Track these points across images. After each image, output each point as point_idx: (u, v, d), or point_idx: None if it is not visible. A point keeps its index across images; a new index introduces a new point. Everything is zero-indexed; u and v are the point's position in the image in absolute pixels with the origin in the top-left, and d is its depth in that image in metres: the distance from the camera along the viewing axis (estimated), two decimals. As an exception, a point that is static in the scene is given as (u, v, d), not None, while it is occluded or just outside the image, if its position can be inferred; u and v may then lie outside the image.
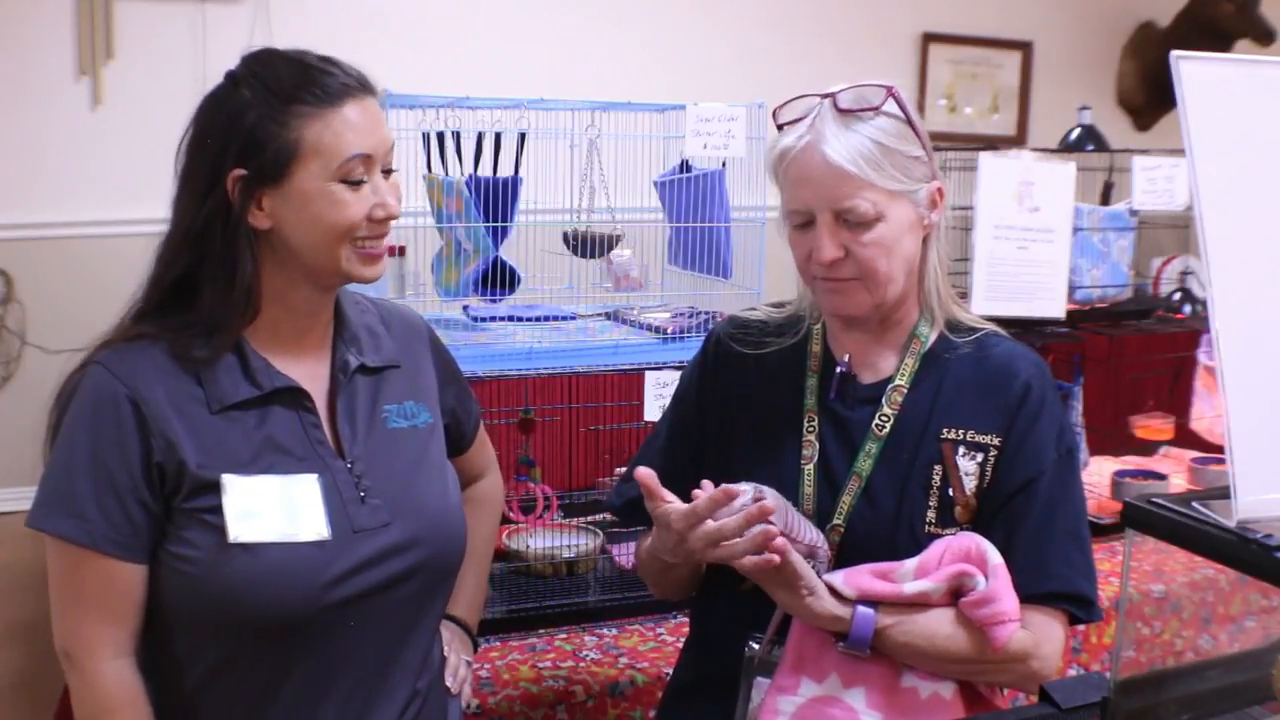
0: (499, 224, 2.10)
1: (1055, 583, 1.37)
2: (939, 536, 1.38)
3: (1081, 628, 2.24)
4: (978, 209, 2.53)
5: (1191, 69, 0.94)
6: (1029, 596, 1.35)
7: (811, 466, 1.43)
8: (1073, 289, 2.75)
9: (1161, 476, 2.79)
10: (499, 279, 2.11)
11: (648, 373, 2.08)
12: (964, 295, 2.50)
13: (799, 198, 1.38)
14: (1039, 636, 1.36)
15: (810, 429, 1.45)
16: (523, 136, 2.14)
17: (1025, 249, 2.56)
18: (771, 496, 1.31)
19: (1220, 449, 1.28)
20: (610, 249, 2.33)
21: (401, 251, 2.33)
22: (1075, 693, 1.04)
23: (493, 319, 2.40)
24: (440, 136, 2.12)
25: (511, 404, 2.39)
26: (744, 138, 2.17)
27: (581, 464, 2.52)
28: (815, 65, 3.89)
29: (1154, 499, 0.99)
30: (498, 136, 2.13)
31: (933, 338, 1.47)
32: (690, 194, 2.29)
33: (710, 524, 1.28)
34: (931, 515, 1.39)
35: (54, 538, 1.27)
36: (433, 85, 2.10)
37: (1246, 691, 1.03)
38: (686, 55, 3.84)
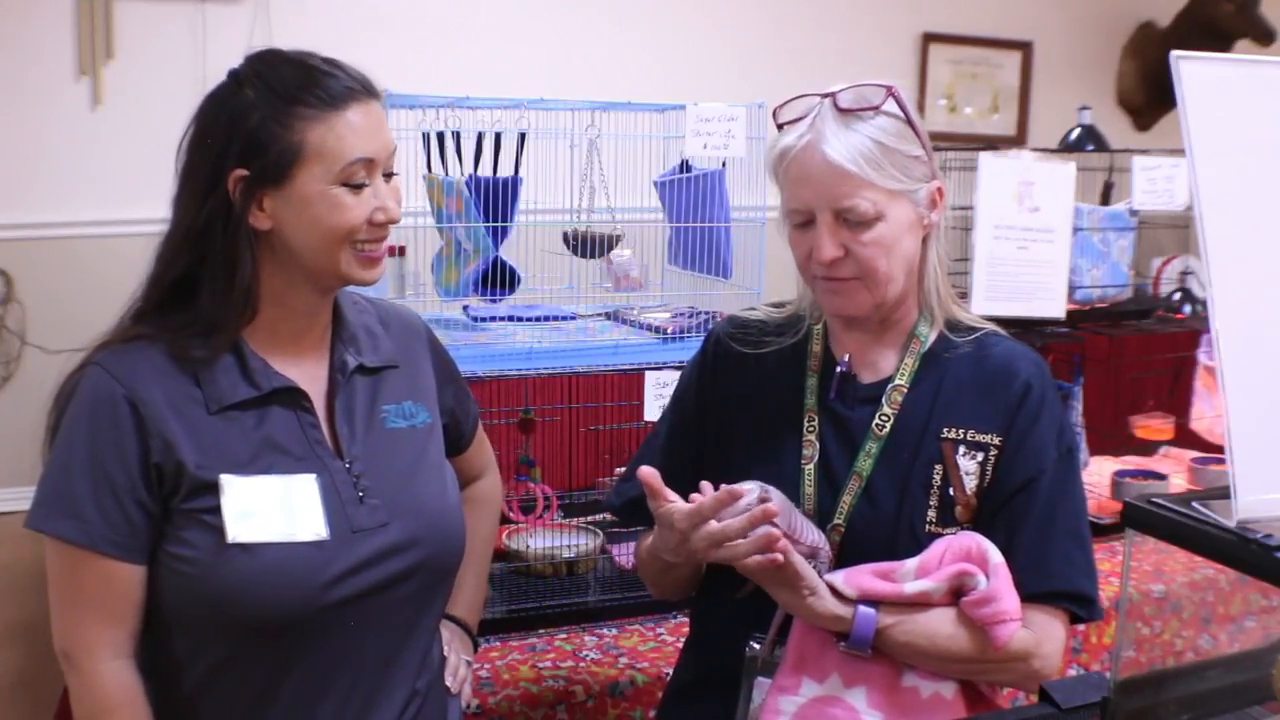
0: (499, 224, 2.10)
1: (1056, 581, 1.37)
2: (939, 536, 1.38)
3: (1081, 628, 2.25)
4: (978, 209, 2.53)
5: (1191, 69, 0.94)
6: (1030, 595, 1.35)
7: (812, 466, 1.43)
8: (1073, 289, 2.75)
9: (1161, 476, 2.79)
10: (499, 279, 2.11)
11: (648, 373, 2.08)
12: (964, 295, 2.50)
13: (799, 197, 1.38)
14: (1040, 635, 1.36)
15: (810, 429, 1.45)
16: (523, 136, 2.14)
17: (1025, 249, 2.56)
18: (776, 497, 1.31)
19: (1220, 449, 1.28)
20: (610, 249, 2.33)
21: (401, 251, 2.33)
22: (1075, 693, 1.04)
23: (493, 319, 2.40)
24: (440, 136, 2.12)
25: (511, 404, 2.39)
26: (744, 138, 2.17)
27: (581, 464, 2.52)
28: (815, 65, 3.89)
29: (1154, 499, 0.99)
30: (498, 136, 2.13)
31: (932, 337, 1.47)
32: (690, 194, 2.29)
33: (714, 524, 1.28)
34: (932, 515, 1.40)
35: (53, 538, 1.27)
36: (433, 85, 2.10)
37: (1246, 691, 1.03)
38: (686, 55, 3.84)
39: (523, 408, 2.40)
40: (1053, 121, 3.84)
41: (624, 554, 2.21)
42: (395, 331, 1.49)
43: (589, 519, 2.39)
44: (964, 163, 2.67)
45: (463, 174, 2.12)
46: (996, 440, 1.41)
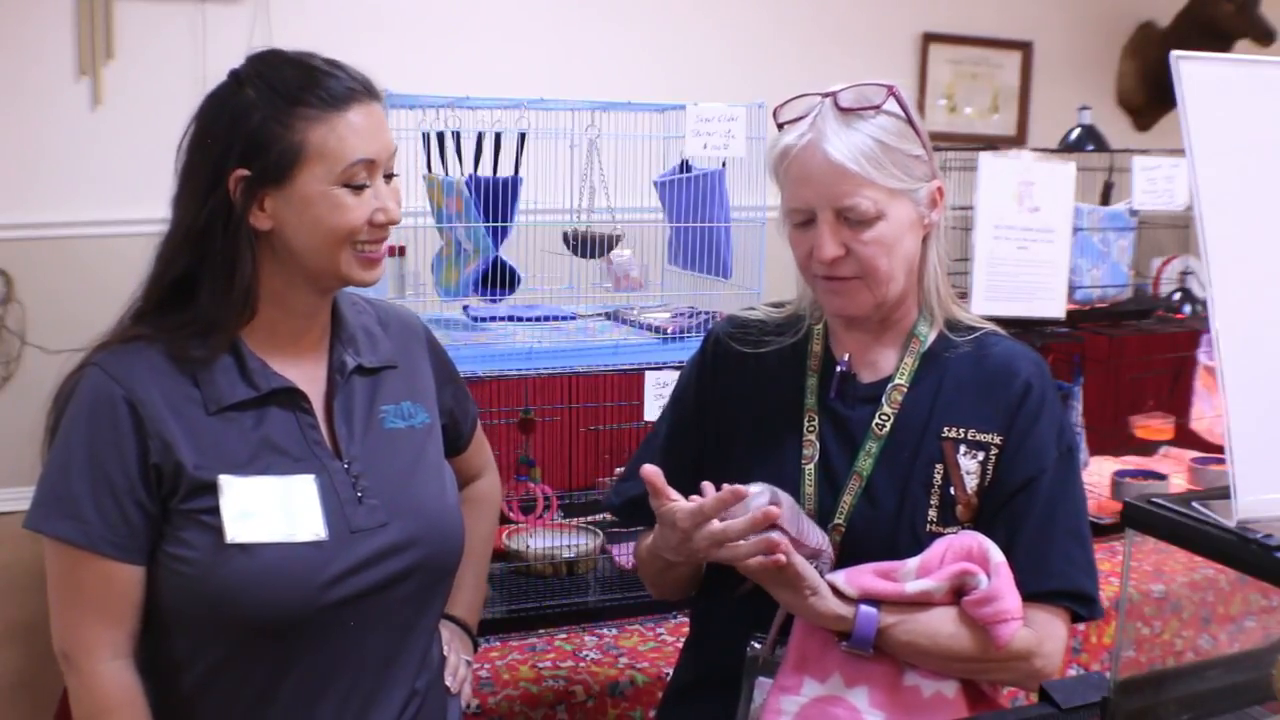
0: (499, 224, 2.10)
1: (1057, 580, 1.37)
2: (940, 535, 1.38)
3: (1081, 627, 2.25)
4: (978, 209, 2.53)
5: (1191, 69, 0.94)
6: (1031, 595, 1.36)
7: (812, 466, 1.43)
8: (1073, 289, 2.75)
9: (1161, 476, 2.79)
10: (499, 279, 2.11)
11: (648, 373, 2.08)
12: (964, 295, 2.50)
13: (800, 196, 1.38)
14: (1042, 634, 1.36)
15: (810, 428, 1.45)
16: (523, 136, 2.14)
17: (1025, 249, 2.56)
18: (785, 501, 1.31)
19: (1220, 449, 1.28)
20: (610, 249, 2.33)
21: (401, 251, 2.33)
22: (1075, 693, 1.04)
23: (493, 319, 2.40)
24: (440, 136, 2.12)
25: (511, 404, 2.39)
26: (744, 138, 2.17)
27: (581, 464, 2.52)
28: (815, 65, 3.89)
29: (1154, 499, 0.99)
30: (498, 136, 2.13)
31: (932, 337, 1.47)
32: (690, 194, 2.29)
33: (716, 524, 1.28)
34: (933, 514, 1.40)
35: (52, 539, 1.27)
36: (433, 85, 2.10)
37: (1246, 691, 1.03)
38: (686, 55, 3.84)
39: (523, 408, 2.40)
40: (1053, 121, 3.84)
41: (624, 554, 2.21)
42: (394, 332, 1.49)
43: (589, 519, 2.39)
44: (964, 163, 2.67)
45: (463, 174, 2.12)
46: (997, 440, 1.41)
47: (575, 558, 2.23)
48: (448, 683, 1.50)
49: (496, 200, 2.09)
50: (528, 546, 2.26)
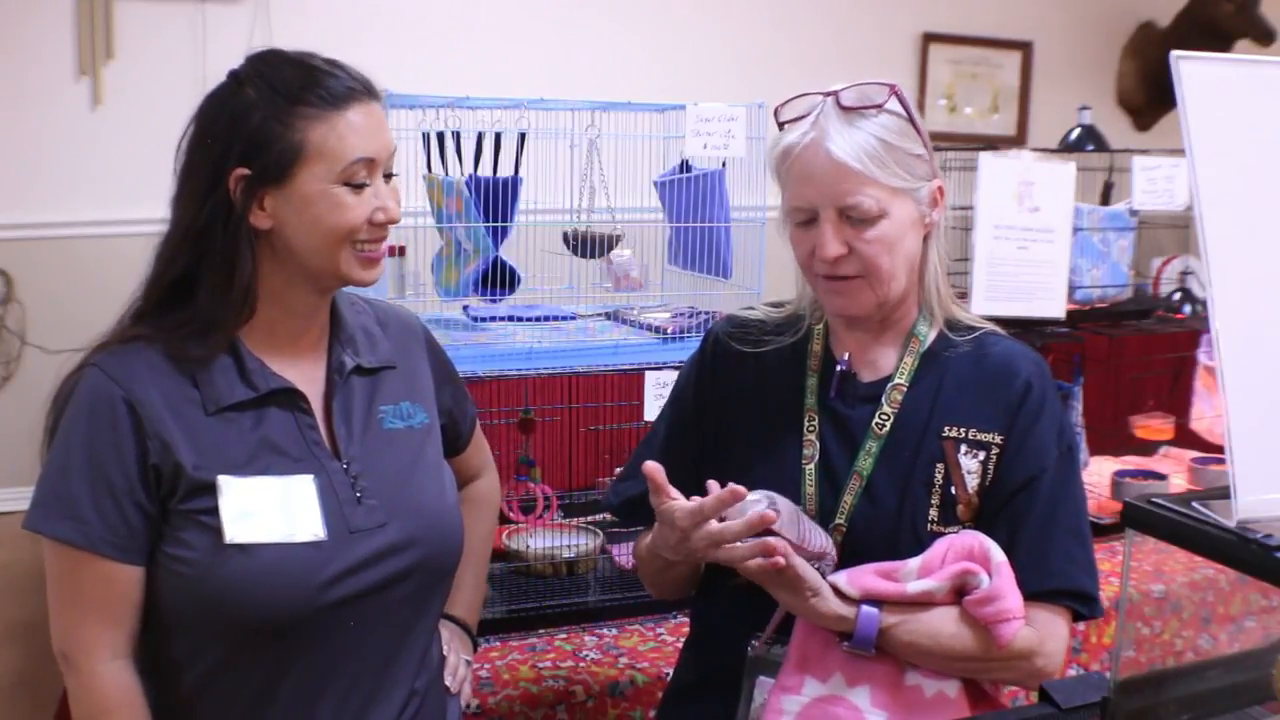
0: (499, 224, 2.10)
1: (1058, 580, 1.37)
2: (941, 535, 1.38)
3: (1081, 627, 2.25)
4: (978, 209, 2.53)
5: (1191, 69, 0.94)
6: (1032, 594, 1.36)
7: (812, 466, 1.43)
8: (1073, 289, 2.75)
9: (1161, 476, 2.78)
10: (499, 279, 2.11)
11: (648, 373, 2.08)
12: (964, 295, 2.50)
13: (802, 194, 1.38)
14: (1043, 633, 1.36)
15: (811, 428, 1.45)
16: (523, 136, 2.14)
17: (1025, 249, 2.56)
18: (784, 506, 1.31)
19: (1220, 449, 1.28)
20: (610, 249, 2.33)
21: (401, 251, 2.33)
22: (1075, 693, 1.04)
23: (493, 319, 2.40)
24: (440, 136, 2.12)
25: (511, 404, 2.39)
26: (744, 138, 2.17)
27: (581, 464, 2.52)
28: (815, 65, 3.90)
29: (1154, 499, 0.99)
30: (498, 136, 2.13)
31: (932, 336, 1.47)
32: (690, 194, 2.29)
33: (714, 525, 1.28)
34: (934, 513, 1.40)
35: (51, 540, 1.27)
36: (433, 85, 2.10)
37: (1246, 691, 1.03)
38: (686, 55, 3.84)
39: (523, 408, 2.40)
40: (1053, 121, 3.84)
41: (624, 554, 2.21)
42: (393, 332, 1.49)
43: (589, 519, 2.39)
44: (964, 163, 2.67)
45: (463, 174, 2.12)
46: (998, 439, 1.41)
47: (575, 558, 2.23)
48: (447, 682, 1.50)
49: (496, 200, 2.09)
50: (528, 546, 2.26)
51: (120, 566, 1.27)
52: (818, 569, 1.33)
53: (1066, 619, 1.39)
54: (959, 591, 1.34)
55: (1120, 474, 2.78)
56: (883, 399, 1.44)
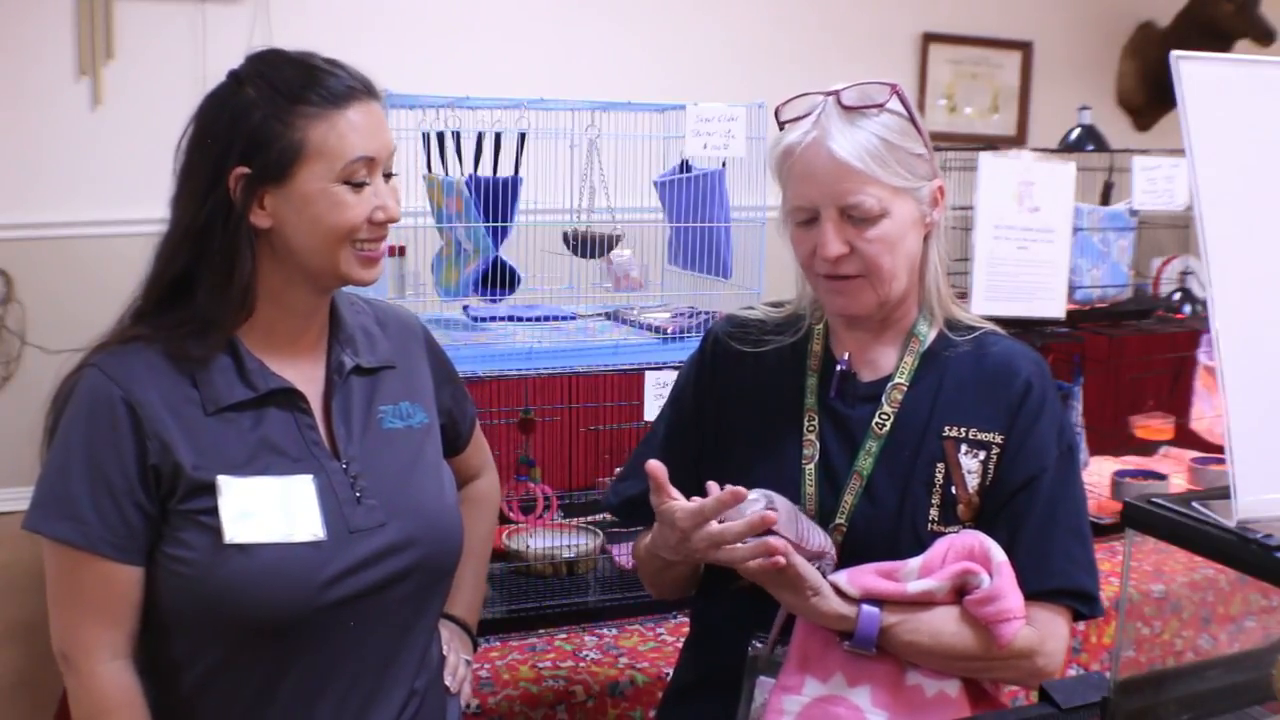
0: (499, 224, 2.10)
1: (1059, 579, 1.37)
2: (942, 534, 1.38)
3: (1081, 627, 2.25)
4: (978, 209, 2.53)
5: (1191, 69, 0.94)
6: (1033, 593, 1.36)
7: (812, 466, 1.43)
8: (1073, 289, 2.75)
9: (1161, 476, 2.78)
10: (499, 279, 2.11)
11: (648, 373, 2.08)
12: (964, 295, 2.50)
13: (804, 194, 1.38)
14: (1044, 633, 1.36)
15: (810, 428, 1.45)
16: (523, 136, 2.14)
17: (1025, 249, 2.56)
18: (783, 506, 1.31)
19: (1220, 449, 1.28)
20: (610, 249, 2.33)
21: (401, 251, 2.33)
22: (1075, 693, 1.04)
23: (493, 319, 2.40)
24: (440, 136, 2.12)
25: (511, 404, 2.39)
26: (744, 138, 2.17)
27: (581, 464, 2.52)
28: (815, 65, 3.90)
29: (1154, 499, 0.99)
30: (498, 136, 2.13)
31: (932, 336, 1.47)
32: (690, 194, 2.29)
33: (714, 525, 1.28)
34: (934, 513, 1.40)
35: (51, 540, 1.27)
36: (433, 85, 2.10)
37: (1246, 691, 1.03)
38: (686, 55, 3.84)
39: (523, 408, 2.40)
40: (1053, 121, 3.84)
41: (624, 554, 2.21)
42: (392, 332, 1.49)
43: (589, 519, 2.39)
44: (964, 163, 2.67)
45: (463, 174, 2.12)
46: (998, 439, 1.41)
47: (575, 558, 2.23)
48: (447, 682, 1.50)
49: (496, 200, 2.09)
50: (528, 546, 2.26)
51: (120, 567, 1.27)
52: (817, 568, 1.33)
53: (1067, 618, 1.39)
54: (959, 591, 1.34)
55: (1120, 474, 2.78)
56: (883, 398, 1.44)
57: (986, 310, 2.22)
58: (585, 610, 2.15)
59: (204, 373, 1.30)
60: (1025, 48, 4.42)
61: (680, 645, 1.66)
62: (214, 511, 1.26)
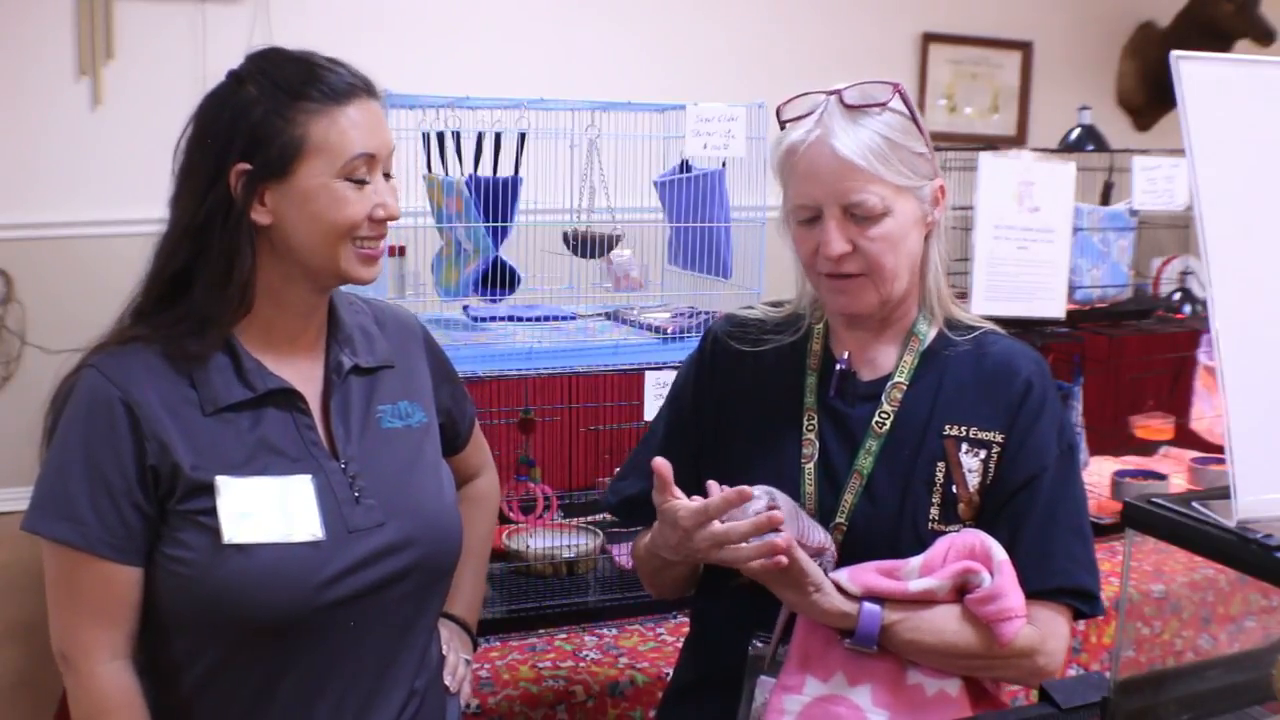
0: (499, 224, 2.10)
1: (1060, 578, 1.38)
2: (942, 533, 1.38)
3: (1081, 627, 2.25)
4: (978, 209, 2.53)
5: (1191, 69, 0.94)
6: (1034, 592, 1.36)
7: (812, 465, 1.43)
8: (1073, 289, 2.75)
9: (1161, 476, 2.79)
10: (499, 279, 2.11)
11: (648, 373, 2.08)
12: (963, 295, 2.50)
13: (807, 192, 1.38)
14: (1045, 632, 1.36)
15: (810, 427, 1.45)
16: (523, 136, 2.14)
17: (1025, 249, 2.56)
18: (784, 502, 1.31)
19: (1220, 449, 1.28)
20: (610, 249, 2.33)
21: (401, 251, 2.33)
22: (1075, 693, 1.04)
23: (493, 319, 2.40)
24: (440, 136, 2.12)
25: (511, 404, 2.39)
26: (744, 138, 2.17)
27: (581, 464, 2.52)
28: (815, 65, 3.89)
29: (1154, 499, 0.99)
30: (498, 136, 2.13)
31: (931, 335, 1.47)
32: (690, 194, 2.29)
33: (718, 525, 1.28)
34: (935, 512, 1.40)
35: (49, 541, 1.27)
36: (433, 85, 2.10)
37: (1246, 691, 1.03)
38: (686, 55, 3.84)
39: (523, 408, 2.40)
40: (1053, 121, 3.84)
41: (624, 554, 2.21)
42: (391, 331, 1.49)
43: (589, 519, 2.39)
44: (964, 163, 2.67)
45: (463, 174, 2.12)
46: (999, 438, 1.41)
47: (575, 558, 2.23)
48: (446, 682, 1.50)
49: (496, 200, 2.09)
50: (528, 546, 2.26)
51: (118, 567, 1.27)
52: (818, 564, 1.33)
53: (1068, 617, 1.39)
54: (960, 590, 1.34)
55: (1120, 474, 2.78)
56: (882, 397, 1.44)
57: (986, 310, 2.22)
58: (585, 610, 2.15)
59: (202, 373, 1.30)
60: (1025, 48, 4.41)
61: (680, 645, 1.66)
62: (212, 512, 1.26)
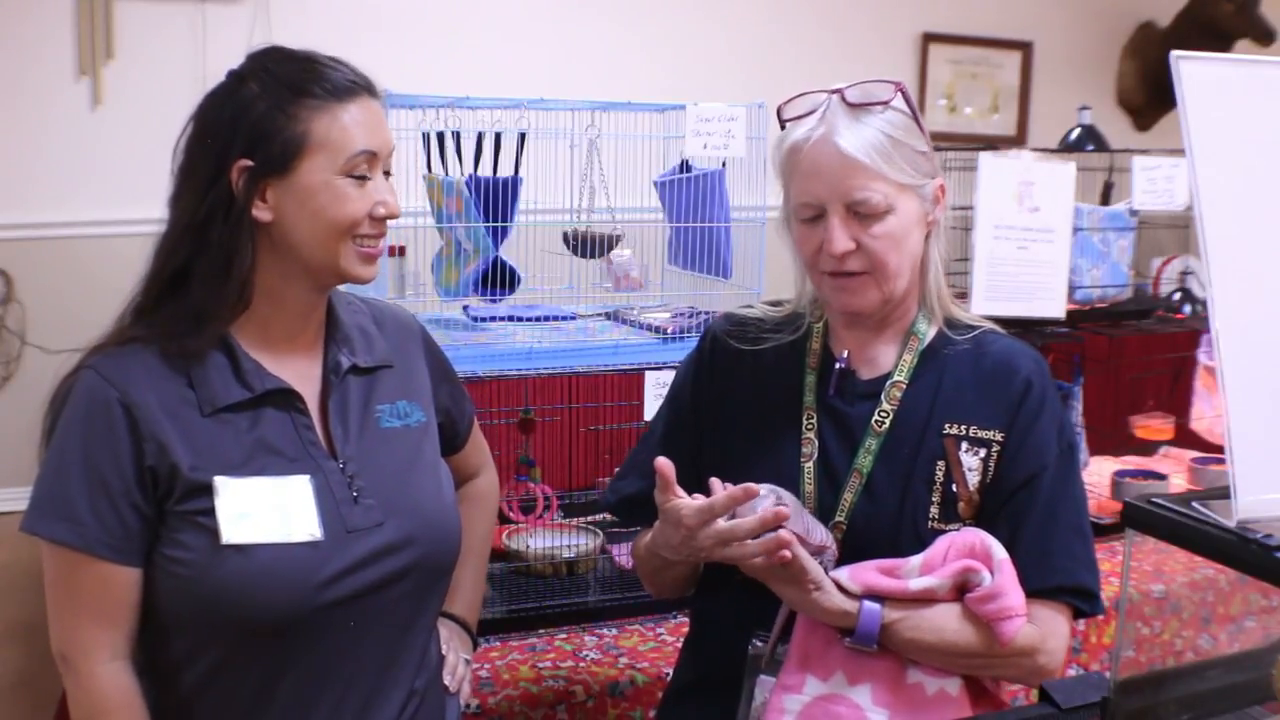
0: (499, 224, 2.10)
1: (1060, 577, 1.38)
2: (942, 532, 1.38)
3: (1081, 626, 2.25)
4: (978, 209, 2.53)
5: (1191, 69, 0.94)
6: (1034, 591, 1.36)
7: (811, 464, 1.43)
8: (1073, 289, 2.75)
9: (1161, 476, 2.78)
10: (499, 279, 2.11)
11: (648, 373, 2.08)
12: (963, 295, 2.50)
13: (810, 190, 1.38)
14: (1045, 631, 1.36)
15: (809, 426, 1.45)
16: (523, 136, 2.14)
17: (1025, 249, 2.56)
18: (789, 501, 1.30)
19: (1220, 449, 1.28)
20: (610, 249, 2.33)
21: (401, 251, 2.33)
22: (1075, 693, 1.04)
23: (493, 319, 2.40)
24: (440, 136, 2.12)
25: (511, 404, 2.39)
26: (744, 138, 2.17)
27: (581, 464, 2.52)
28: (815, 65, 3.90)
29: (1154, 499, 0.99)
30: (498, 136, 2.13)
31: (931, 334, 1.47)
32: (690, 194, 2.29)
33: (722, 523, 1.28)
34: (935, 511, 1.40)
35: (48, 542, 1.27)
36: (433, 85, 2.10)
37: (1246, 691, 1.03)
38: (686, 55, 3.84)
39: (523, 408, 2.40)
40: (1053, 121, 3.84)
41: (624, 554, 2.21)
42: (389, 331, 1.49)
43: (589, 519, 2.39)
44: (964, 163, 2.67)
45: (463, 174, 2.12)
46: (999, 437, 1.41)
47: (575, 558, 2.23)
48: (446, 682, 1.50)
49: (496, 200, 2.09)
50: (528, 546, 2.26)
51: (117, 568, 1.27)
52: (819, 563, 1.33)
53: (1068, 616, 1.40)
54: (961, 589, 1.34)
55: (1120, 474, 2.78)
56: (882, 396, 1.44)
57: (986, 310, 2.22)
58: (585, 610, 2.15)
59: (200, 373, 1.30)
60: (1025, 48, 4.42)
61: (680, 645, 1.66)
62: (211, 512, 1.26)
